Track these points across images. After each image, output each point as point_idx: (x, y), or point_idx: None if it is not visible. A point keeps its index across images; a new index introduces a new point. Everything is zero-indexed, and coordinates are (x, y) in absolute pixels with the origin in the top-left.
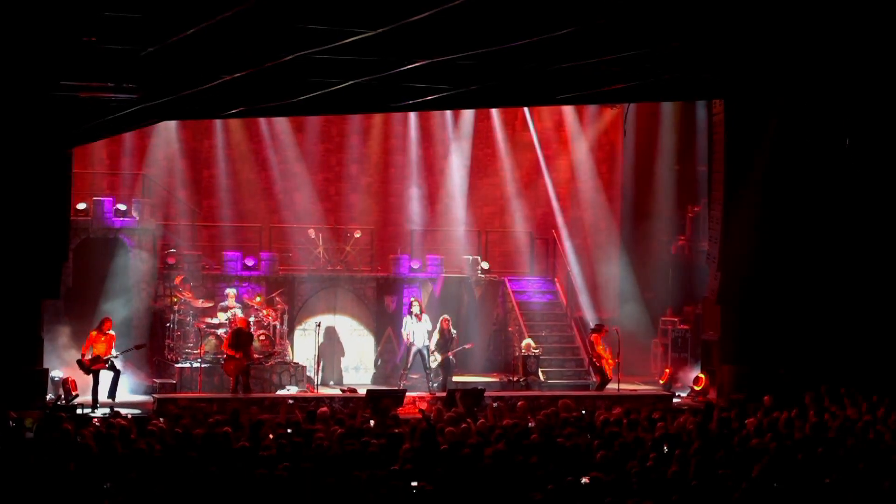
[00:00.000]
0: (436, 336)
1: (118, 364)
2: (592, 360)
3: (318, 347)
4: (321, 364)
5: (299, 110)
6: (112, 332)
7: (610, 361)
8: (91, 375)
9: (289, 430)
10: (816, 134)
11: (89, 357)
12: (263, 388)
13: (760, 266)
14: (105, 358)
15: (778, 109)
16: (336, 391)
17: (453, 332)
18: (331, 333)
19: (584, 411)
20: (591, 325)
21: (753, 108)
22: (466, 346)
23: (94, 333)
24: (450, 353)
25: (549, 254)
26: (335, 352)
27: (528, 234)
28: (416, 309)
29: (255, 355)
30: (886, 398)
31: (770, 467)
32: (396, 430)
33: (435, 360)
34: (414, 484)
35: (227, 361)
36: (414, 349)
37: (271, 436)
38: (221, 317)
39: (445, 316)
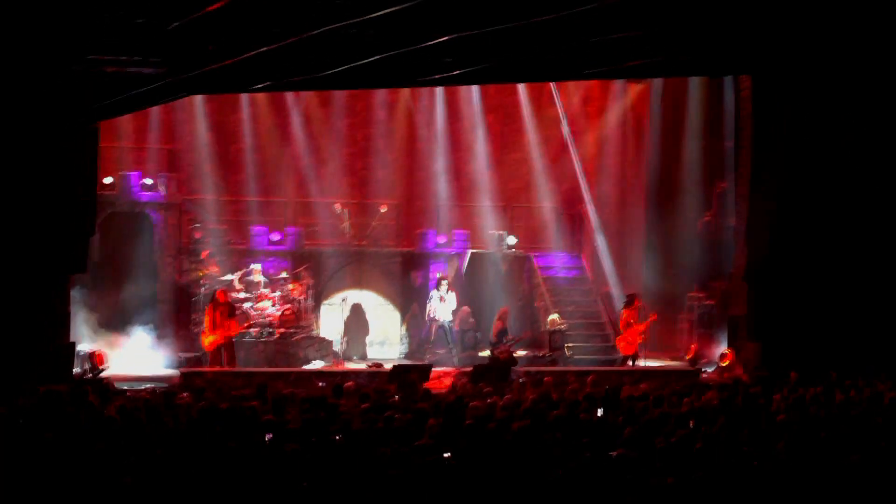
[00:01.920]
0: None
1: None
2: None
3: (344, 322)
4: (347, 339)
5: (326, 85)
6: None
7: (629, 340)
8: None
9: (316, 404)
10: (844, 110)
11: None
12: (290, 362)
13: (787, 242)
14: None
15: (806, 85)
16: (362, 366)
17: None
18: (356, 308)
19: (608, 387)
20: (621, 300)
21: (781, 84)
22: (518, 339)
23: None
24: (509, 346)
25: (575, 229)
26: (361, 326)
27: (554, 209)
28: (442, 290)
29: (238, 328)
30: None
31: (796, 444)
32: (422, 405)
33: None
34: (446, 455)
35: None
36: (436, 325)
37: (296, 411)
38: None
39: (504, 307)
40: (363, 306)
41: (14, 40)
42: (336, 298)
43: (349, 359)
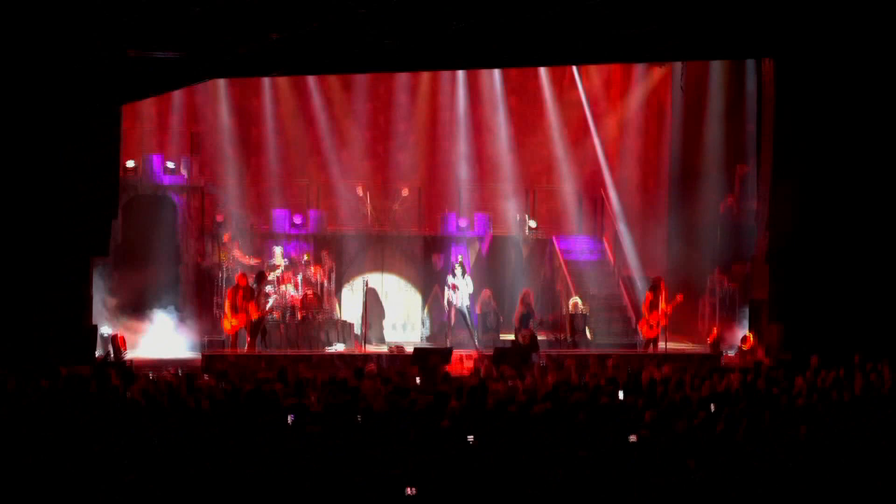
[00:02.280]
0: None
1: None
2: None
3: (365, 305)
4: (368, 321)
5: (346, 69)
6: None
7: (651, 323)
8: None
9: (338, 387)
10: (866, 93)
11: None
12: (311, 345)
13: (809, 225)
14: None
15: (828, 68)
16: (383, 349)
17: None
18: (378, 291)
19: (629, 370)
20: (643, 283)
21: (803, 67)
22: (546, 320)
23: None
24: (531, 328)
25: (596, 212)
26: (379, 310)
27: (575, 192)
28: (457, 274)
29: (260, 312)
30: None
31: (818, 427)
32: (443, 388)
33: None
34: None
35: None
36: (455, 309)
37: (317, 394)
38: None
39: (526, 288)
40: (381, 289)
41: (38, 26)
42: (358, 281)
43: (369, 342)
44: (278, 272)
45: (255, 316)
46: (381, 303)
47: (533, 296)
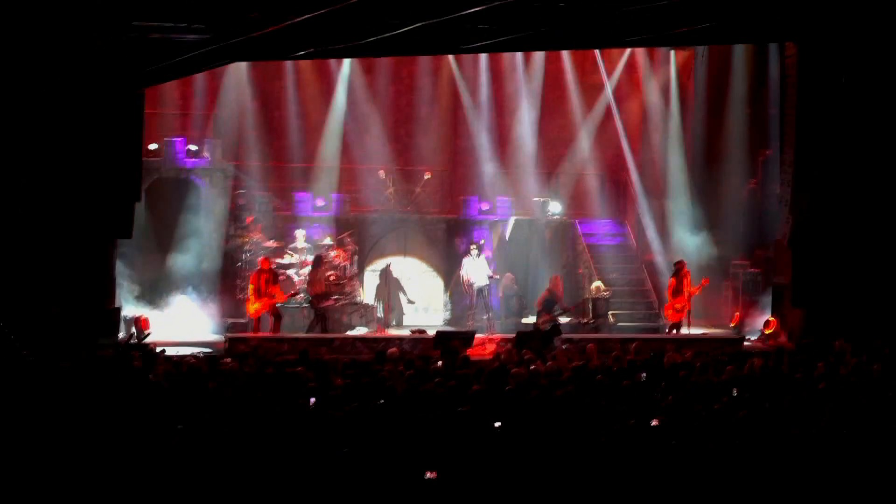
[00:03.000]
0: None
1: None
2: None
3: (388, 288)
4: (391, 305)
5: (368, 52)
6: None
7: (677, 307)
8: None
9: (359, 370)
10: (889, 77)
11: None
12: (334, 328)
13: (832, 209)
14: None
15: (851, 52)
16: (405, 332)
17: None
18: (400, 275)
19: (651, 353)
20: (665, 267)
21: (826, 51)
22: (570, 309)
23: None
24: (557, 315)
25: (619, 196)
26: (398, 293)
27: (598, 176)
28: (473, 255)
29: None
30: None
31: (839, 412)
32: (464, 371)
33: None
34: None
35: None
36: (475, 289)
37: (340, 378)
38: (290, 258)
39: (556, 274)
40: (402, 272)
41: (60, 9)
42: (380, 264)
43: (390, 325)
44: (304, 255)
45: (281, 299)
46: (400, 285)
47: (561, 283)
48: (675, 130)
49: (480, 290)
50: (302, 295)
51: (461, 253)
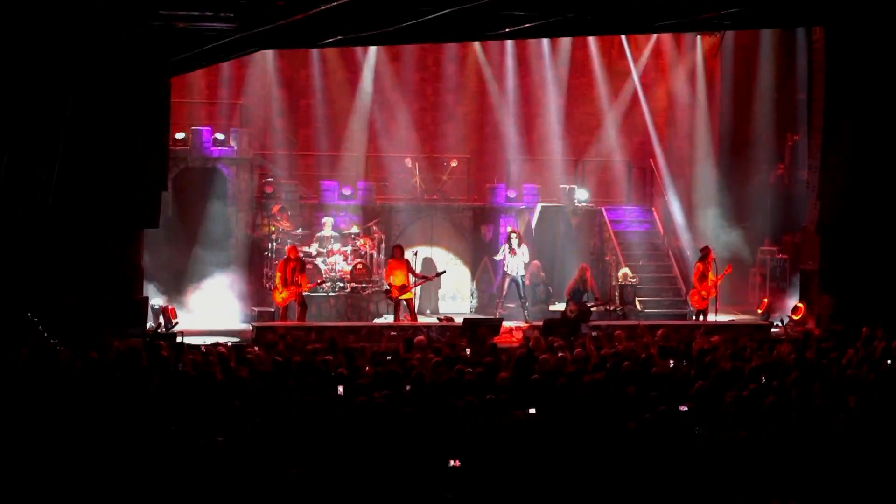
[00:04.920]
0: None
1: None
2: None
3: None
4: (418, 293)
5: (395, 39)
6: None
7: (704, 294)
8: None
9: (388, 358)
10: None
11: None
12: (361, 316)
13: (861, 195)
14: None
15: (879, 37)
16: (433, 320)
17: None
18: (428, 263)
19: (679, 341)
20: (693, 254)
21: (854, 36)
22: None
23: (391, 261)
24: (590, 304)
25: (646, 183)
26: (432, 281)
27: (625, 162)
28: (513, 243)
29: (308, 284)
30: None
31: (867, 398)
32: (490, 359)
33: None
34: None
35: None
36: (509, 279)
37: (368, 367)
38: (315, 247)
39: (584, 263)
40: (434, 260)
41: None
42: (407, 253)
43: (421, 312)
44: (330, 245)
45: (307, 288)
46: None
47: (590, 272)
48: (701, 116)
49: (515, 279)
50: (328, 284)
51: (488, 241)
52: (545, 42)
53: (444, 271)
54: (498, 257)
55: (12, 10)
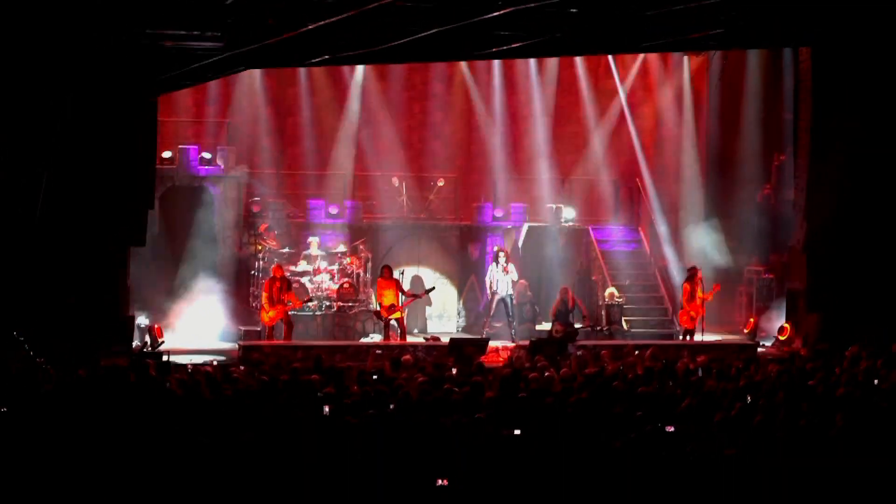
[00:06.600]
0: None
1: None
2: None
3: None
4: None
5: (383, 58)
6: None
7: (693, 314)
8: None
9: (374, 377)
10: None
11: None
12: (347, 335)
13: (847, 215)
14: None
15: (865, 57)
16: (420, 339)
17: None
18: (415, 282)
19: (665, 360)
20: (679, 273)
21: (840, 56)
22: (586, 322)
23: (380, 280)
24: (576, 323)
25: (633, 202)
26: (418, 300)
27: (612, 182)
28: (501, 260)
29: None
30: None
31: (854, 417)
32: (477, 378)
33: (556, 331)
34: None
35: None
36: (497, 298)
37: (356, 386)
38: (303, 265)
39: (565, 285)
40: (421, 279)
41: (73, 16)
42: (394, 272)
43: (408, 332)
44: (317, 263)
45: (296, 306)
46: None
47: (571, 293)
48: (688, 136)
49: (502, 299)
50: (315, 302)
51: (475, 260)
52: (532, 62)
53: (434, 288)
54: (488, 279)
55: None
